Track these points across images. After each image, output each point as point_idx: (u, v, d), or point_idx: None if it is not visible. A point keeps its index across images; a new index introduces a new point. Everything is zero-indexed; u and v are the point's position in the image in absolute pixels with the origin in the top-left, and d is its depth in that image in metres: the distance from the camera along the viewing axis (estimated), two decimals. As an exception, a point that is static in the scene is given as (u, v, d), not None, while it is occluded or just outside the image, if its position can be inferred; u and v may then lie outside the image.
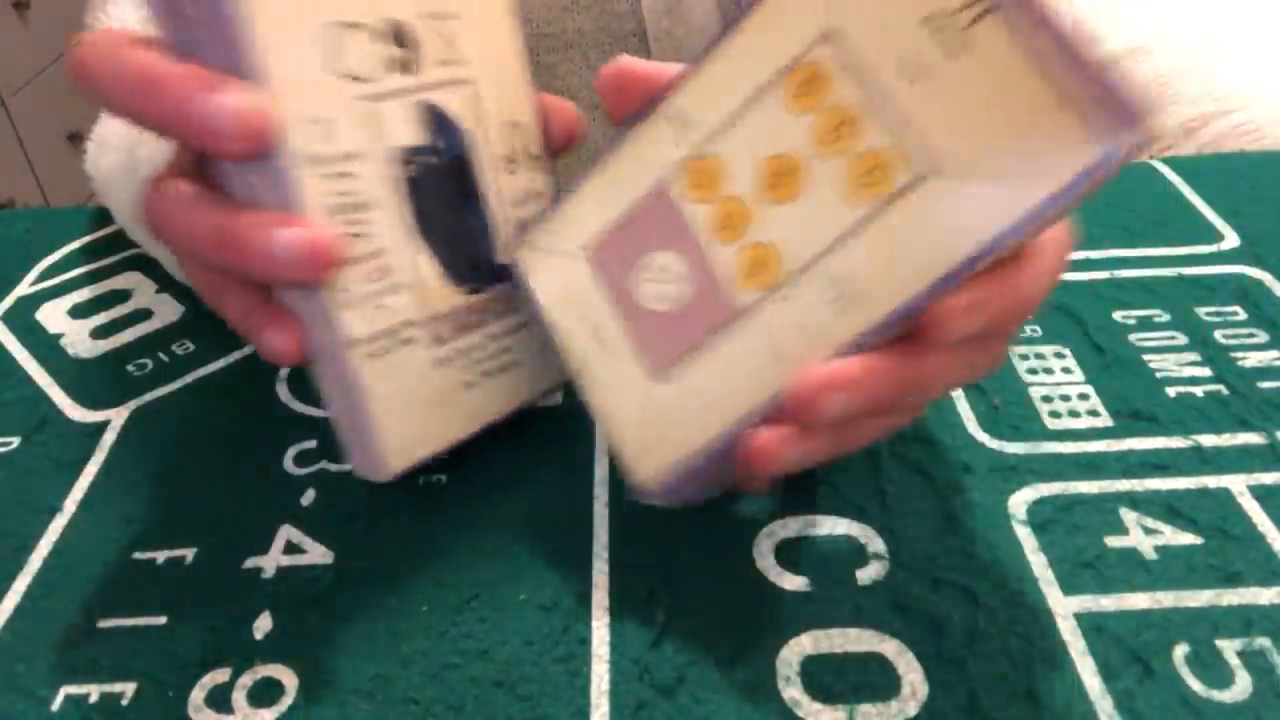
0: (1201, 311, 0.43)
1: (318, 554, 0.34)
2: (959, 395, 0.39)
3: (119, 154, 0.44)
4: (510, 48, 0.32)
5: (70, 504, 0.36)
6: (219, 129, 0.26)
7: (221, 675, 0.30)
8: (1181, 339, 0.42)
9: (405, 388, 0.31)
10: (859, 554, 0.33)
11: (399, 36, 0.29)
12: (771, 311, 0.28)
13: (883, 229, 0.26)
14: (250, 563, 0.33)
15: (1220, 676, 0.29)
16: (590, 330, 0.31)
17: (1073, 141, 0.23)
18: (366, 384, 0.30)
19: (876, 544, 0.33)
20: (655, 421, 0.30)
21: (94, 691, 0.29)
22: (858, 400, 0.26)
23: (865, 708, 0.28)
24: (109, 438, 0.39)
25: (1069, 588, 0.31)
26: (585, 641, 0.30)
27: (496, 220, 0.33)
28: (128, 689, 0.29)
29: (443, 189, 0.31)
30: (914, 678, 0.29)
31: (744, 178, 0.28)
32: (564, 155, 0.36)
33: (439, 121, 0.31)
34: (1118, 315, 0.43)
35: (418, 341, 0.31)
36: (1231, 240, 0.48)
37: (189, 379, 0.42)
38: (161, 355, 0.44)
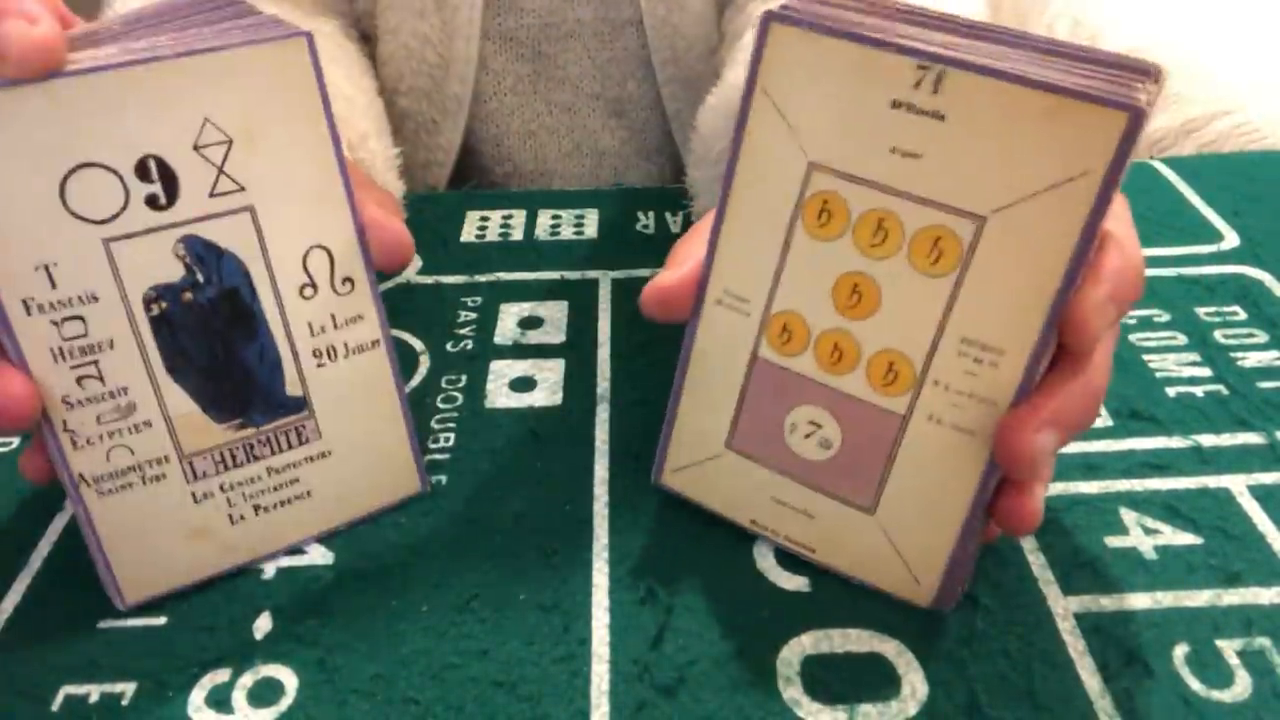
0: (1201, 311, 0.43)
1: (318, 554, 0.34)
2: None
3: None
4: (319, 171, 0.30)
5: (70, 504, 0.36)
6: None
7: (221, 675, 0.30)
8: (1181, 339, 0.42)
9: (149, 523, 0.31)
10: (859, 554, 0.33)
11: (154, 173, 0.28)
12: (930, 402, 0.29)
13: (980, 278, 0.27)
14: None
15: (1220, 676, 0.29)
16: (781, 510, 0.32)
17: (1097, 120, 0.24)
18: (97, 520, 0.30)
19: (876, 544, 0.33)
20: (901, 548, 0.30)
21: (94, 691, 0.29)
22: (1061, 427, 0.27)
23: (865, 708, 0.28)
24: (109, 438, 0.39)
25: (1069, 588, 0.31)
26: (585, 641, 0.30)
27: (285, 350, 0.31)
28: (128, 689, 0.29)
29: (206, 323, 0.30)
30: (914, 678, 0.29)
31: (823, 313, 0.29)
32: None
33: (201, 254, 0.29)
34: (1118, 315, 0.43)
35: (169, 478, 0.31)
36: (1231, 240, 0.48)
37: (189, 379, 0.42)
38: (161, 355, 0.44)
